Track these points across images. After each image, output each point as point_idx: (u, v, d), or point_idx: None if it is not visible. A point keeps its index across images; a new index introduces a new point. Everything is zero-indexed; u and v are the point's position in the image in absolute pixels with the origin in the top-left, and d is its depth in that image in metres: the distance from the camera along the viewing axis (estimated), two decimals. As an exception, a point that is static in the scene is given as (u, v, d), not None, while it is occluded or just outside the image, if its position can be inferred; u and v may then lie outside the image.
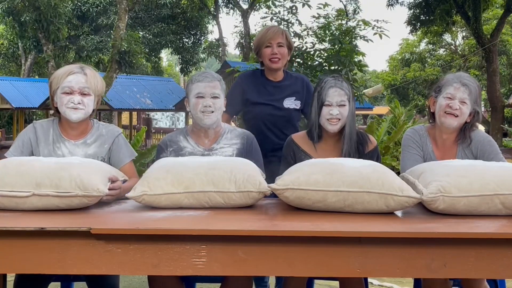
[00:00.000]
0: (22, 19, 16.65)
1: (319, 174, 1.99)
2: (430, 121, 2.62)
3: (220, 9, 21.92)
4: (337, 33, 6.13)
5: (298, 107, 3.10)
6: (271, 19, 6.43)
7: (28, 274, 2.12)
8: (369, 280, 3.49)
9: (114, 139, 2.50)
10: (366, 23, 6.26)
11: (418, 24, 18.47)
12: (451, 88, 2.45)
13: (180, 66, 23.67)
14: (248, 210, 2.06)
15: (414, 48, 27.99)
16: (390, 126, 8.42)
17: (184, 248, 1.74)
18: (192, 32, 22.95)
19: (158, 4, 20.70)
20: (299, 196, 1.99)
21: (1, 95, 19.78)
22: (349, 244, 1.73)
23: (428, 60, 27.37)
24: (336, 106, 2.46)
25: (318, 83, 2.56)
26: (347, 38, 6.17)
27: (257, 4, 18.62)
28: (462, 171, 2.00)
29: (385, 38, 6.30)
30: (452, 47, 27.82)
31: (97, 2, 20.60)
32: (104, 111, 24.60)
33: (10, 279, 2.32)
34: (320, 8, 6.35)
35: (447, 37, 26.68)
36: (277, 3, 6.50)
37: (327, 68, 6.03)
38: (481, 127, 3.05)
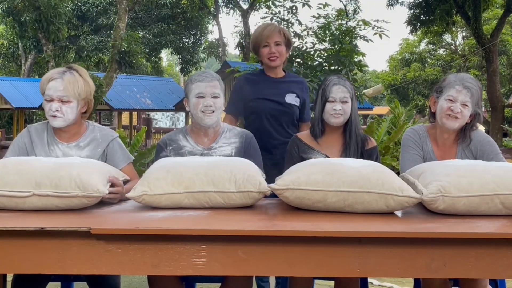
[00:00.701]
0: (22, 19, 16.66)
1: (319, 174, 2.00)
2: (431, 120, 2.62)
3: (220, 9, 21.92)
4: (337, 33, 6.14)
5: (298, 104, 3.12)
6: (271, 19, 6.42)
7: (26, 274, 2.11)
8: (369, 280, 3.49)
9: (108, 143, 2.47)
10: (366, 23, 6.27)
11: (418, 24, 18.45)
12: (453, 90, 2.44)
13: (180, 66, 23.70)
14: (248, 210, 2.06)
15: (414, 48, 27.96)
16: (390, 126, 8.41)
17: (184, 248, 1.74)
18: (192, 32, 22.98)
19: (158, 4, 20.70)
20: (299, 196, 1.99)
21: (1, 95, 19.75)
22: (349, 244, 1.73)
23: (428, 60, 27.36)
24: (339, 102, 2.57)
25: (323, 81, 2.68)
26: (347, 38, 6.18)
27: (257, 4, 18.62)
28: (462, 171, 2.00)
29: (385, 38, 6.33)
30: (452, 47, 27.80)
31: (97, 2, 20.60)
32: (104, 111, 24.64)
33: (10, 279, 2.32)
34: (320, 8, 6.35)
35: (447, 37, 26.66)
36: (277, 3, 6.50)
37: (327, 68, 6.03)
38: (481, 127, 3.05)
